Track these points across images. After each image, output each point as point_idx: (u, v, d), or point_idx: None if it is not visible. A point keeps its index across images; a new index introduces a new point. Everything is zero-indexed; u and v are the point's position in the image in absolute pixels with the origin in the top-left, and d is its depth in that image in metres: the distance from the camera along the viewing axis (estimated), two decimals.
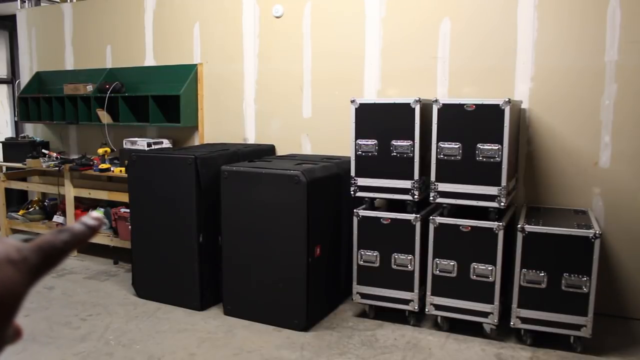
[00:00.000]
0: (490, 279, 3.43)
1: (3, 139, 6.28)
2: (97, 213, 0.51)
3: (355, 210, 3.80)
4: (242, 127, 5.07)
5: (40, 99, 5.93)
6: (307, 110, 4.77)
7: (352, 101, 3.74)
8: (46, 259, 0.47)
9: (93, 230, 0.50)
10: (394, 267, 3.71)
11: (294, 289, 3.64)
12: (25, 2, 6.60)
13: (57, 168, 5.25)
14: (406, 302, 3.71)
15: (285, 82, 4.84)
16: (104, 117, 5.34)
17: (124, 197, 4.82)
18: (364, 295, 3.83)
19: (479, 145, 3.40)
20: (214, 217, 3.94)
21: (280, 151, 4.90)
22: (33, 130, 6.49)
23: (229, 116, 5.12)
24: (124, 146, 5.08)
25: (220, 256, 3.93)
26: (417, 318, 3.77)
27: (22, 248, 0.46)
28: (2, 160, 6.03)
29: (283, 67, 4.83)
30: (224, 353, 3.40)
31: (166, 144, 5.13)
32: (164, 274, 4.14)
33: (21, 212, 5.89)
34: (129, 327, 3.78)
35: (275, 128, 4.94)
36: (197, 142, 5.25)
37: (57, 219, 5.53)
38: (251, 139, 5.06)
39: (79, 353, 3.41)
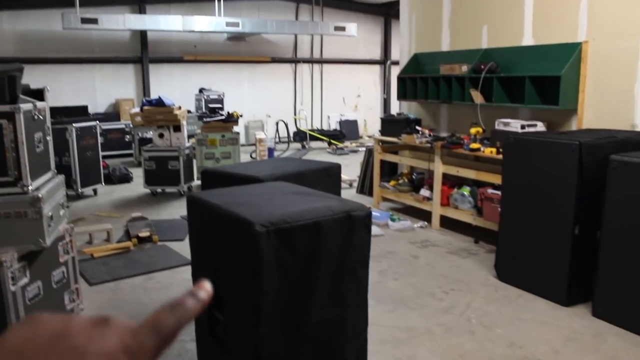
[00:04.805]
0: None
1: (382, 116, 6.94)
2: (207, 284, 0.48)
3: None
4: (631, 113, 4.46)
5: (417, 78, 6.33)
6: None
7: None
8: (162, 340, 0.43)
9: (205, 304, 0.47)
10: None
11: None
12: None
13: (429, 145, 5.54)
14: None
15: None
16: (477, 97, 5.39)
17: (491, 178, 4.81)
18: None
19: None
20: (595, 209, 3.59)
21: None
22: (407, 108, 7.00)
23: (615, 100, 4.56)
24: (496, 127, 5.03)
25: (596, 252, 3.58)
26: None
27: (137, 332, 0.42)
28: (381, 134, 6.68)
29: None
30: (590, 359, 3.10)
31: (540, 126, 4.89)
32: (530, 261, 3.99)
33: (392, 182, 6.45)
34: (489, 309, 3.77)
35: None
36: (574, 127, 4.85)
37: (424, 192, 5.86)
38: None
39: (443, 324, 3.55)
